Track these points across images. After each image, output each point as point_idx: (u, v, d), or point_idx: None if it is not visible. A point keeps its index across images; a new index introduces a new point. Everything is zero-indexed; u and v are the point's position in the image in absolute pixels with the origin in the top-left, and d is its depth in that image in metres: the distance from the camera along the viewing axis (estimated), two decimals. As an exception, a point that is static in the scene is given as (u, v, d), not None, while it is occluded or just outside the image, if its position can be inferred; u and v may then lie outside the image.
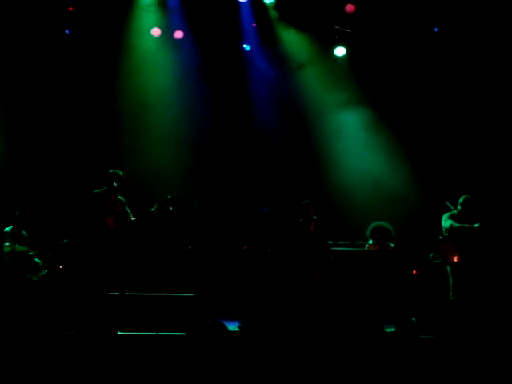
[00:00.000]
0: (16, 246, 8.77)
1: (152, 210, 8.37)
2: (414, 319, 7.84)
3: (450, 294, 8.74)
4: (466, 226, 8.83)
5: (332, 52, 11.38)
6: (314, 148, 11.58)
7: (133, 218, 8.49)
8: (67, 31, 10.97)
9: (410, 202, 10.86)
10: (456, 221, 8.93)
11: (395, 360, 6.13)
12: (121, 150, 10.99)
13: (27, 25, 10.63)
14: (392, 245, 9.43)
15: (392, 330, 8.00)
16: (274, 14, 11.12)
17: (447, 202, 9.18)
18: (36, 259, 9.08)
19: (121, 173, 8.50)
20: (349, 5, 10.79)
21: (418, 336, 6.95)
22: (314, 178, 11.55)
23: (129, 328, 7.68)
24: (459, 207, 8.99)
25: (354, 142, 11.45)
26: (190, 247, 10.84)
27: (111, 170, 8.52)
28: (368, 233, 9.59)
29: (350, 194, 11.22)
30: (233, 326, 8.01)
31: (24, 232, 9.28)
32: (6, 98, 10.95)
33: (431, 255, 9.07)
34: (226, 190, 11.46)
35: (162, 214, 8.51)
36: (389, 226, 9.51)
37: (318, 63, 11.42)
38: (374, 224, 9.60)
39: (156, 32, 11.10)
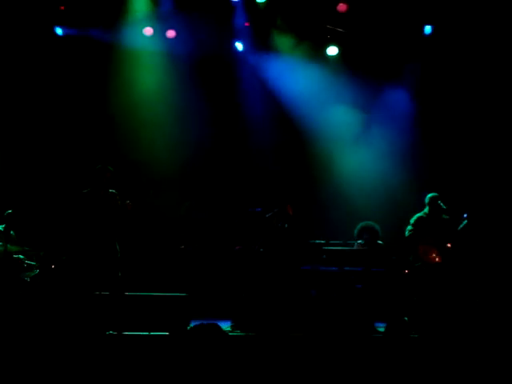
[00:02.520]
0: (8, 245, 8.73)
1: (126, 203, 8.31)
2: (406, 318, 7.87)
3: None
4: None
5: (324, 51, 11.38)
6: (308, 147, 11.58)
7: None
8: (60, 32, 10.94)
9: (403, 202, 10.86)
10: (426, 221, 8.94)
11: (386, 359, 6.15)
12: (113, 150, 10.94)
13: (18, 24, 10.61)
14: (381, 242, 9.45)
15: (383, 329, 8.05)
16: (266, 13, 11.11)
17: (439, 202, 9.19)
18: (28, 260, 9.06)
19: (110, 168, 8.47)
20: (341, 4, 10.79)
21: (410, 335, 6.98)
22: (307, 177, 11.57)
23: (120, 328, 7.67)
24: (427, 207, 9.01)
25: (349, 142, 11.46)
26: (182, 246, 10.85)
27: (99, 166, 8.50)
28: (356, 232, 9.61)
29: (343, 193, 11.22)
30: (225, 326, 8.04)
31: (12, 232, 9.23)
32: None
33: (410, 258, 9.08)
34: (218, 189, 11.44)
35: (144, 198, 8.49)
36: (376, 226, 9.52)
37: (310, 62, 11.41)
38: (361, 224, 9.61)
39: (148, 31, 11.09)
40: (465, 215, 8.97)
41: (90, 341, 6.96)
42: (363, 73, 11.28)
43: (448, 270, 8.80)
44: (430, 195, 9.03)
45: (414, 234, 8.93)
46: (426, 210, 9.04)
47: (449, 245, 8.82)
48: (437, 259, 8.80)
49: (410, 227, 9.00)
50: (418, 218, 9.00)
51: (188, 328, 7.93)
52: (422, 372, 5.99)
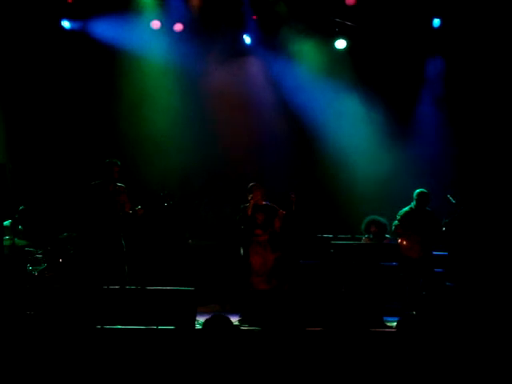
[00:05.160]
0: (16, 239, 8.76)
1: (136, 209, 8.40)
2: (414, 312, 7.85)
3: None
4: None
5: (333, 44, 11.32)
6: (316, 142, 11.55)
7: (130, 211, 8.51)
8: (67, 25, 10.92)
9: (410, 195, 10.86)
10: (412, 214, 8.94)
11: (396, 354, 6.12)
12: (120, 144, 10.94)
13: (25, 19, 10.60)
14: (388, 236, 9.46)
15: (392, 322, 8.04)
16: (274, 6, 11.06)
17: (449, 196, 9.17)
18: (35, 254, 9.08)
19: (118, 162, 8.54)
20: (349, -3, 10.75)
21: (419, 330, 6.94)
22: (314, 171, 11.56)
23: (128, 322, 7.67)
24: (414, 202, 9.00)
25: (355, 136, 11.43)
26: (190, 241, 10.84)
27: (107, 160, 8.55)
28: (363, 227, 9.62)
29: (350, 187, 11.21)
30: (233, 320, 8.02)
31: (20, 227, 9.26)
32: (4, 93, 10.94)
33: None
34: (227, 184, 11.41)
35: (158, 210, 8.52)
36: (383, 220, 9.52)
37: (318, 55, 11.37)
38: (368, 218, 9.63)
39: (156, 25, 11.06)
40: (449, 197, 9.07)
41: (95, 335, 6.96)
42: (374, 67, 11.28)
43: (426, 265, 8.83)
44: (417, 191, 9.03)
45: (399, 228, 8.94)
46: (413, 204, 9.04)
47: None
48: (416, 255, 8.80)
49: (396, 222, 9.02)
50: (405, 213, 9.01)
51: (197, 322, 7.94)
52: (432, 367, 5.95)
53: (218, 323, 5.39)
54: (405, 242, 8.88)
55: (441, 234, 9.02)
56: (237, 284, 9.23)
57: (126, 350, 6.44)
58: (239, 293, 8.97)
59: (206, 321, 5.32)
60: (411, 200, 9.12)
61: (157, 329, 7.45)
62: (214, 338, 5.30)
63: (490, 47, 10.82)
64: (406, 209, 9.03)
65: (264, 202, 8.82)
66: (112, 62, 11.10)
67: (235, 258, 9.30)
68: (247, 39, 11.39)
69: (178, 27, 11.13)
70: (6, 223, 9.06)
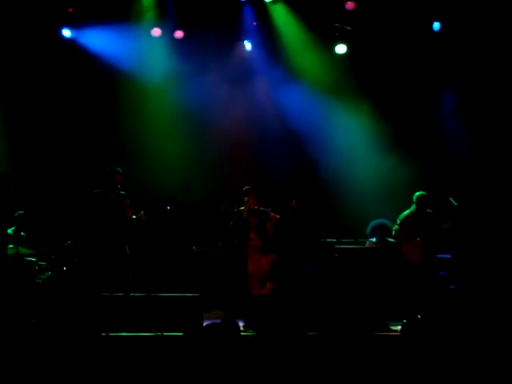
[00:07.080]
0: (20, 248, 8.77)
1: (139, 214, 8.42)
2: (419, 316, 7.83)
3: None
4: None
5: (333, 49, 11.34)
6: (319, 147, 11.56)
7: (133, 217, 8.52)
8: (68, 35, 10.95)
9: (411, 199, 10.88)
10: (413, 218, 8.93)
11: (401, 358, 6.11)
12: (122, 151, 10.96)
13: (26, 29, 10.65)
14: (392, 240, 9.46)
15: (397, 326, 8.03)
16: (274, 11, 11.09)
17: (451, 199, 9.17)
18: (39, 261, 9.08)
19: (119, 169, 8.54)
20: (349, 2, 10.75)
21: (424, 334, 6.94)
22: (316, 175, 11.56)
23: (134, 329, 7.68)
24: (414, 205, 8.99)
25: (357, 141, 11.45)
26: (194, 247, 10.82)
27: (108, 167, 8.55)
28: (368, 231, 9.63)
29: (353, 191, 11.21)
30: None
31: (23, 233, 9.28)
32: (7, 99, 10.97)
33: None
34: (227, 189, 11.41)
35: (161, 214, 8.54)
36: (388, 223, 9.53)
37: (318, 60, 11.40)
38: (373, 222, 9.65)
39: (156, 32, 11.08)
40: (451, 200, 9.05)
41: (102, 342, 6.96)
42: (375, 71, 11.31)
43: (429, 268, 8.83)
44: (417, 193, 9.02)
45: (400, 232, 8.93)
46: (413, 208, 9.03)
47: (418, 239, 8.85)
48: (418, 259, 8.80)
49: (396, 226, 9.00)
50: (405, 217, 9.00)
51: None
52: (437, 371, 5.95)
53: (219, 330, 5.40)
54: (406, 247, 8.88)
55: (442, 237, 9.01)
56: (239, 290, 9.24)
57: (132, 356, 6.44)
58: (241, 298, 8.96)
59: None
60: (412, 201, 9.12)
61: (163, 335, 7.46)
62: (217, 344, 5.30)
63: (492, 47, 10.85)
64: (406, 212, 9.01)
65: (256, 207, 8.85)
66: (112, 70, 11.11)
67: (232, 264, 9.31)
68: (248, 45, 11.40)
69: (179, 34, 11.15)
70: (9, 231, 9.09)
